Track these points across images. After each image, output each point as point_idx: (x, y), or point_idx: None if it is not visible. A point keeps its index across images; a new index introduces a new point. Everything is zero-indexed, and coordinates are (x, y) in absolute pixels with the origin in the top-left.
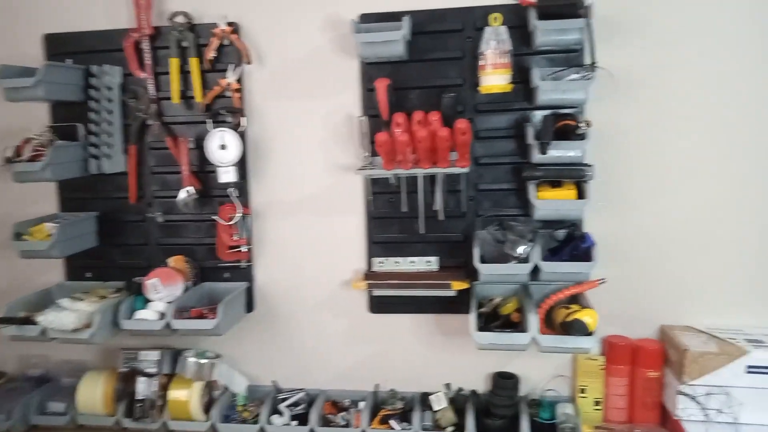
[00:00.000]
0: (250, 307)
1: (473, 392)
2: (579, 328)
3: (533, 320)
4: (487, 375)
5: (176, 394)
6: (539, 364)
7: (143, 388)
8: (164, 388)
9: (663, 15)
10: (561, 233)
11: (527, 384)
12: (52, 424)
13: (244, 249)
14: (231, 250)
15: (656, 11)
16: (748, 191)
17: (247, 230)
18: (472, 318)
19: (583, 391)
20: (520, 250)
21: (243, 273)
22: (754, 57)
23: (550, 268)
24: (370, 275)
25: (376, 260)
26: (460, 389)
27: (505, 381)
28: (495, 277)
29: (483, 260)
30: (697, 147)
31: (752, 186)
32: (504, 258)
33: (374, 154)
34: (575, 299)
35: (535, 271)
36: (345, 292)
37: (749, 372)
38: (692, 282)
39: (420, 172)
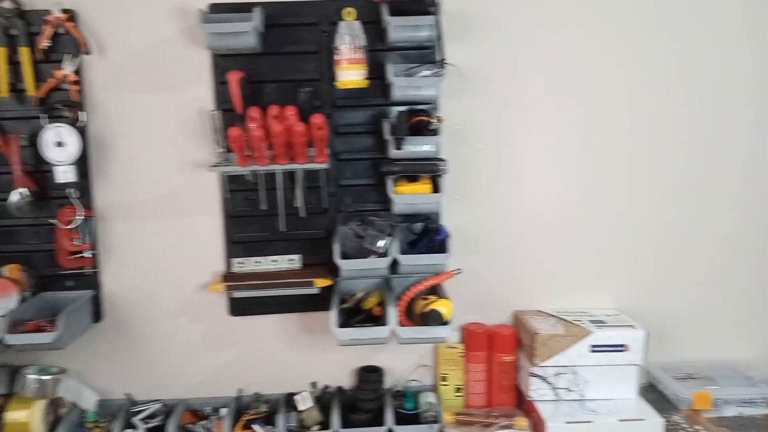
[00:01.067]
0: (97, 316)
1: (339, 389)
2: (435, 318)
3: (392, 313)
4: (353, 370)
5: (15, 415)
6: (402, 356)
7: None
8: (1, 409)
9: (511, 14)
10: (418, 227)
11: (392, 376)
12: None
13: (87, 254)
14: (73, 256)
15: (505, 10)
16: (591, 184)
17: (91, 234)
18: (332, 314)
19: (444, 379)
20: (380, 244)
21: (88, 280)
22: (598, 57)
23: (407, 260)
24: (228, 276)
25: (235, 261)
26: (327, 387)
27: (369, 375)
28: (356, 272)
29: (344, 256)
30: (544, 143)
31: (595, 180)
32: (364, 253)
33: (229, 150)
34: (434, 290)
35: (395, 265)
36: (203, 296)
37: (593, 351)
38: (542, 269)
39: (278, 168)
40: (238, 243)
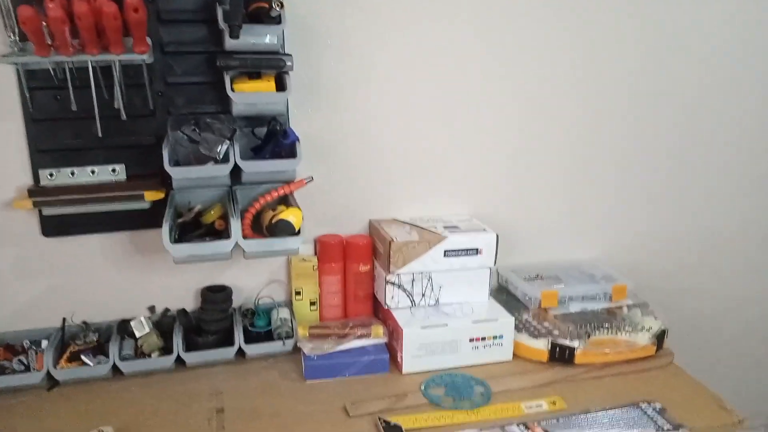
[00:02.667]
0: None
1: (182, 311)
2: (283, 229)
3: (235, 225)
4: (197, 291)
5: None
6: (252, 273)
7: None
8: None
9: None
10: (262, 131)
11: (241, 295)
12: None
13: None
14: None
15: None
16: (451, 94)
17: None
18: (164, 229)
19: (298, 293)
20: (219, 149)
21: None
22: None
23: (251, 167)
24: (37, 191)
25: (44, 172)
26: (167, 310)
27: (215, 294)
28: (191, 182)
29: (176, 164)
30: (402, 41)
31: (455, 89)
32: (201, 160)
33: (25, 37)
34: (285, 201)
35: (237, 173)
36: (7, 214)
37: (447, 256)
38: (397, 178)
39: (88, 59)
40: (46, 152)
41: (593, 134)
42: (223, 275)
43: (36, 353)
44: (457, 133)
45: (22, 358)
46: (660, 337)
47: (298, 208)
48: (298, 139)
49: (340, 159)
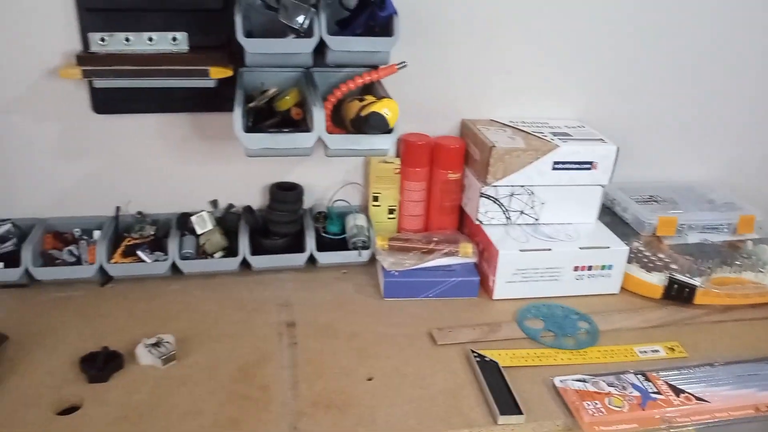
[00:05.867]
0: None
1: (247, 209)
2: (376, 124)
3: (319, 116)
4: (264, 187)
5: None
6: (326, 172)
7: None
8: None
9: None
10: (352, 0)
11: (312, 195)
12: None
13: None
14: None
15: None
16: None
17: None
18: (236, 115)
19: (376, 199)
20: (300, 19)
21: None
22: None
23: (339, 44)
24: (87, 59)
25: (94, 36)
26: (231, 206)
27: (285, 193)
28: (266, 58)
29: (249, 34)
30: None
31: None
32: (279, 31)
33: None
34: (369, 90)
35: (321, 51)
36: (52, 85)
37: (555, 168)
38: (497, 67)
39: None
40: (96, 11)
41: (728, 39)
42: (292, 171)
43: (87, 244)
44: (574, 24)
45: (73, 248)
46: None
47: (393, 99)
48: (396, 13)
49: (433, 41)
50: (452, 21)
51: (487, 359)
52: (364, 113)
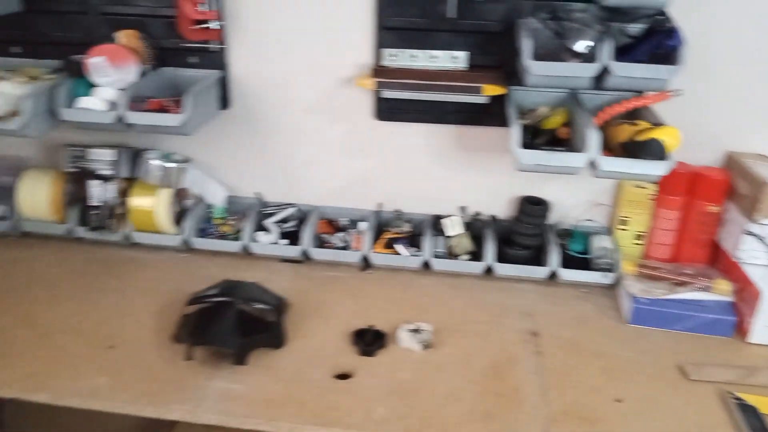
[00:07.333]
0: (224, 103)
1: (493, 218)
2: (654, 151)
3: (593, 137)
4: (510, 200)
5: (139, 201)
6: (573, 190)
7: (98, 192)
8: (124, 194)
9: None
10: (635, 28)
11: (557, 212)
12: None
13: (214, 25)
14: (196, 26)
15: None
16: None
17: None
18: (514, 131)
19: (624, 222)
20: (583, 44)
21: (214, 58)
22: None
23: (623, 70)
24: (379, 71)
25: (386, 52)
26: (478, 214)
27: (532, 207)
28: (548, 80)
29: (536, 57)
30: None
31: None
32: (560, 55)
33: None
34: (635, 114)
35: (601, 75)
36: (345, 92)
37: None
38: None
39: None
40: (391, 29)
41: None
42: (540, 187)
43: (354, 234)
44: None
45: (344, 235)
46: None
47: (674, 127)
48: (683, 43)
49: (698, 70)
50: (719, 51)
51: (746, 403)
52: (641, 138)
